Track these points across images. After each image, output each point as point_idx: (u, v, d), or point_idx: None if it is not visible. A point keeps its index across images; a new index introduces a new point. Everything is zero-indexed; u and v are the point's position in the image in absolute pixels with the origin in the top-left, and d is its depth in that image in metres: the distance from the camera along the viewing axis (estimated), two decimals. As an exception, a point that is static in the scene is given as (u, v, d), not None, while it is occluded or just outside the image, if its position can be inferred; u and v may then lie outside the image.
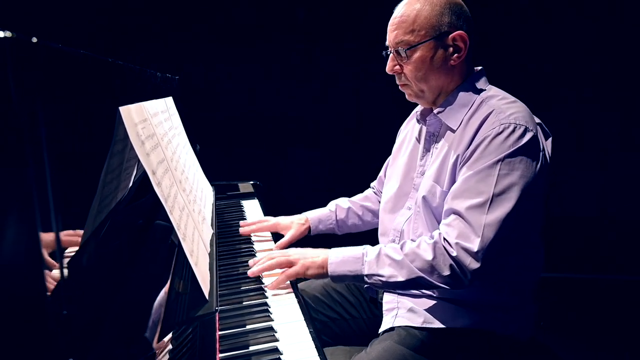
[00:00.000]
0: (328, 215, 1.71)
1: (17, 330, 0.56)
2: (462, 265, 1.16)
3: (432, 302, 1.32)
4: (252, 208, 2.05)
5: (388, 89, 1.81)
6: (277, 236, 1.69)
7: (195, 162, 1.69)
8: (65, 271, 0.62)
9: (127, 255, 1.00)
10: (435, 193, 1.31)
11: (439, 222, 1.32)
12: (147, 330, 0.80)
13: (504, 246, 1.18)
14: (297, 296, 1.27)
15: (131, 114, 0.94)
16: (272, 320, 1.15)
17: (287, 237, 1.63)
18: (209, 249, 1.22)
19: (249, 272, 1.32)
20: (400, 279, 1.20)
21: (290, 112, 3.26)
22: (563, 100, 3.12)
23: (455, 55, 1.30)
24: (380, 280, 1.23)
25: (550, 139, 1.30)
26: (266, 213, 1.95)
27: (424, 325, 1.29)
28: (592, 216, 3.25)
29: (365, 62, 2.97)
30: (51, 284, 0.60)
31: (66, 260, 0.66)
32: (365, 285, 1.51)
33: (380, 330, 1.38)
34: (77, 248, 0.74)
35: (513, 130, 1.19)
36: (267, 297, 1.26)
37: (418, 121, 1.48)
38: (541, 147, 1.23)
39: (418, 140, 1.48)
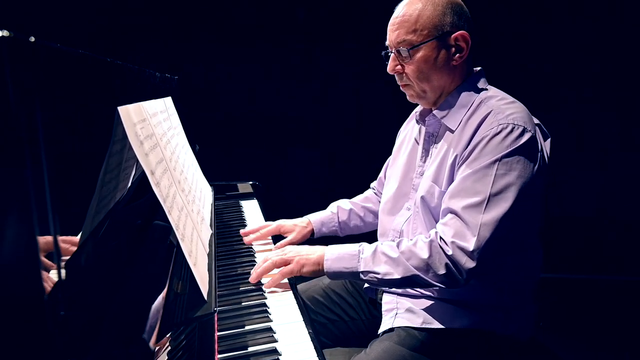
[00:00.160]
0: (330, 217, 1.71)
1: (14, 331, 0.56)
2: (457, 264, 1.16)
3: (431, 303, 1.32)
4: (251, 208, 2.04)
5: (388, 89, 1.81)
6: (277, 237, 1.68)
7: (194, 163, 1.69)
8: (63, 272, 0.62)
9: (125, 256, 1.00)
10: (433, 193, 1.31)
11: (437, 222, 1.32)
12: (146, 331, 0.80)
13: (501, 246, 1.18)
14: (296, 297, 1.27)
15: (130, 113, 0.94)
16: (271, 321, 1.15)
17: (288, 239, 1.62)
18: (207, 250, 1.22)
19: (251, 279, 1.32)
20: (396, 276, 1.20)
21: (290, 112, 3.26)
22: (563, 100, 3.12)
23: (458, 55, 1.30)
24: (376, 278, 1.23)
25: (549, 139, 1.30)
26: (265, 213, 1.95)
27: (423, 326, 1.29)
28: (591, 216, 3.25)
29: (365, 62, 2.96)
30: (48, 285, 0.60)
31: (64, 261, 0.66)
32: (365, 286, 1.51)
33: (380, 331, 1.38)
34: (74, 250, 0.73)
35: (511, 131, 1.19)
36: (266, 298, 1.25)
37: (417, 122, 1.48)
38: (539, 147, 1.23)
39: (417, 141, 1.47)
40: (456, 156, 1.26)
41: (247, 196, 2.19)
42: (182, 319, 0.97)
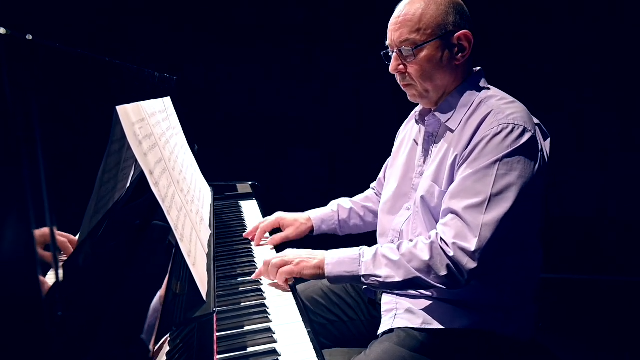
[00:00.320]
0: (330, 215, 1.71)
1: (12, 332, 0.55)
2: (459, 265, 1.15)
3: (431, 303, 1.32)
4: (250, 209, 2.04)
5: (388, 89, 1.81)
6: (275, 233, 1.68)
7: (194, 163, 1.69)
8: (61, 272, 0.62)
9: (124, 256, 0.99)
10: (433, 193, 1.31)
11: (437, 222, 1.31)
12: (144, 331, 0.80)
13: (501, 246, 1.17)
14: (295, 297, 1.26)
15: (128, 113, 0.93)
16: (271, 321, 1.14)
17: (284, 234, 1.63)
18: (206, 250, 1.22)
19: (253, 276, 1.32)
20: (397, 279, 1.20)
21: (290, 112, 3.25)
22: (563, 100, 3.12)
23: (460, 54, 1.30)
24: (377, 281, 1.22)
25: (548, 139, 1.30)
26: (265, 214, 1.94)
27: (423, 327, 1.29)
28: (591, 216, 3.25)
29: (365, 62, 2.96)
30: (46, 285, 0.59)
31: (62, 261, 0.65)
32: (364, 287, 1.51)
33: (379, 331, 1.37)
34: (73, 248, 0.73)
35: (511, 131, 1.19)
36: (265, 299, 1.25)
37: (417, 122, 1.48)
38: (539, 147, 1.22)
39: (417, 141, 1.47)
40: (456, 156, 1.26)
41: (246, 196, 2.19)
42: (181, 320, 0.97)
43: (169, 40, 3.09)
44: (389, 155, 1.65)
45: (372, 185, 1.81)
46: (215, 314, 1.02)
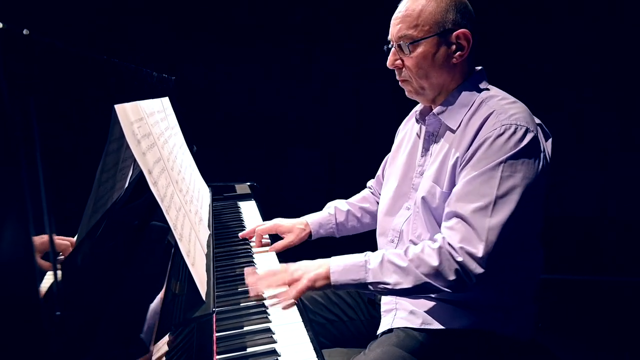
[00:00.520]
0: (328, 219, 1.70)
1: (10, 332, 0.55)
2: (467, 270, 1.14)
3: (431, 303, 1.31)
4: (249, 209, 2.04)
5: (388, 89, 1.81)
6: (274, 238, 1.67)
7: (192, 163, 1.68)
8: (59, 271, 0.62)
9: (122, 256, 0.99)
10: (434, 194, 1.30)
11: (438, 223, 1.31)
12: (143, 332, 0.79)
13: (505, 248, 1.17)
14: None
15: (127, 112, 0.93)
16: (270, 321, 1.14)
17: (286, 240, 1.61)
18: (205, 250, 1.21)
19: (251, 293, 1.24)
20: (406, 285, 1.17)
21: (289, 112, 3.25)
22: (563, 100, 3.12)
23: (458, 53, 1.29)
24: (386, 288, 1.19)
25: (550, 139, 1.29)
26: (264, 214, 1.94)
27: (422, 327, 1.28)
28: (591, 216, 3.24)
29: (365, 62, 2.96)
30: (44, 285, 0.59)
31: (60, 261, 0.65)
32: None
33: (379, 331, 1.37)
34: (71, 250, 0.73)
35: (514, 131, 1.18)
36: (264, 299, 1.24)
37: (417, 121, 1.47)
38: (542, 148, 1.22)
39: (417, 140, 1.47)
40: (458, 157, 1.25)
41: (245, 197, 2.19)
42: (181, 320, 0.96)
43: (169, 40, 3.09)
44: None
45: (369, 184, 1.80)
46: (214, 314, 1.01)
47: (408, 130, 1.56)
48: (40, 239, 0.56)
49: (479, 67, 1.38)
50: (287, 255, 1.57)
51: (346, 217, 1.70)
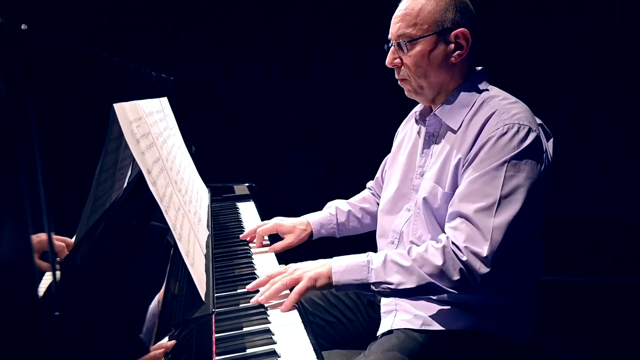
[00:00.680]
0: (329, 219, 1.69)
1: (8, 332, 0.55)
2: (472, 269, 1.14)
3: (431, 305, 1.31)
4: (247, 210, 2.04)
5: (388, 90, 1.80)
6: (274, 239, 1.66)
7: (191, 163, 1.68)
8: (58, 272, 0.61)
9: (121, 256, 0.99)
10: (436, 194, 1.30)
11: (439, 224, 1.30)
12: (142, 332, 0.79)
13: (509, 249, 1.16)
14: (294, 298, 1.25)
15: (126, 111, 0.93)
16: (270, 322, 1.13)
17: (285, 242, 1.60)
18: (205, 251, 1.21)
19: (260, 301, 1.19)
20: (410, 285, 1.17)
21: (289, 113, 3.24)
22: (563, 100, 3.11)
23: (457, 52, 1.29)
24: (389, 288, 1.18)
25: (551, 139, 1.29)
26: (262, 215, 1.93)
27: (422, 328, 1.28)
28: (591, 216, 3.24)
29: (365, 62, 2.96)
30: (43, 285, 0.59)
31: (59, 261, 0.65)
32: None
33: (379, 333, 1.37)
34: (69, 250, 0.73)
35: (517, 131, 1.18)
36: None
37: (417, 122, 1.47)
38: (544, 148, 1.22)
39: (417, 141, 1.46)
40: (460, 157, 1.25)
41: (243, 198, 2.18)
42: (180, 321, 0.96)
43: (169, 40, 3.09)
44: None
45: (369, 184, 1.80)
46: (213, 315, 1.01)
47: (407, 131, 1.55)
48: (37, 238, 0.56)
49: (480, 68, 1.38)
50: (287, 257, 1.56)
51: (347, 217, 1.69)
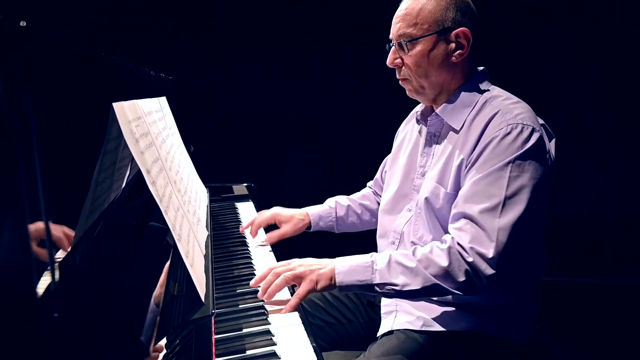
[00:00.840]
0: (328, 212, 1.69)
1: (6, 333, 0.54)
2: (477, 270, 1.13)
3: (431, 305, 1.30)
4: (246, 210, 2.03)
5: (388, 89, 1.80)
6: (271, 228, 1.66)
7: (190, 164, 1.67)
8: (57, 272, 0.61)
9: (120, 257, 0.98)
10: (438, 195, 1.29)
11: (441, 224, 1.30)
12: (142, 333, 0.78)
13: (514, 250, 1.15)
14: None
15: (125, 111, 0.92)
16: (269, 323, 1.13)
17: (281, 231, 1.61)
18: (204, 251, 1.21)
19: (262, 296, 1.19)
20: (415, 287, 1.15)
21: (289, 113, 3.24)
22: (563, 100, 3.11)
23: (458, 52, 1.29)
24: (394, 289, 1.17)
25: (553, 140, 1.29)
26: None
27: (423, 329, 1.27)
28: (591, 217, 3.24)
29: (365, 62, 2.95)
30: (41, 286, 0.58)
31: (57, 261, 0.64)
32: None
33: (379, 333, 1.36)
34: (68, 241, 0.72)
35: (521, 131, 1.17)
36: (263, 300, 1.23)
37: (418, 122, 1.46)
38: (547, 148, 1.21)
39: (417, 141, 1.46)
40: (463, 158, 1.24)
41: (242, 198, 2.19)
42: (179, 322, 0.95)
43: (169, 40, 3.08)
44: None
45: (369, 184, 1.80)
46: (213, 316, 1.00)
47: (408, 131, 1.55)
48: (35, 226, 0.55)
49: (481, 67, 1.37)
50: (286, 257, 1.56)
51: (346, 212, 1.69)
